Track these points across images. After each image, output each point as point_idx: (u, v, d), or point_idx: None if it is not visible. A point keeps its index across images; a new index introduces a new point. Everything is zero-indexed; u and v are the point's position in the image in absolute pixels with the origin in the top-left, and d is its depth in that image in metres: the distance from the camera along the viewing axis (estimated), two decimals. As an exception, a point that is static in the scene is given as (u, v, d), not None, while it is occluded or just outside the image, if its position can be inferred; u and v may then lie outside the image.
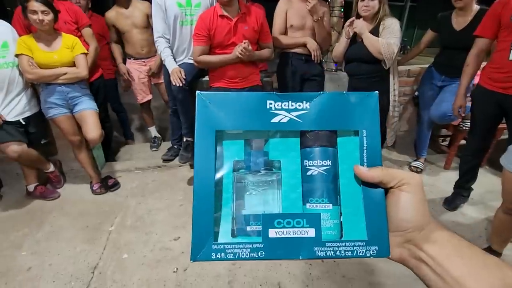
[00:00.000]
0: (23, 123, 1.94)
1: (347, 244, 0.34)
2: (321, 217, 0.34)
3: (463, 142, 2.38)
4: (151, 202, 2.13)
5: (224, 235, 0.36)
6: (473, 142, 1.91)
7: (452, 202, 2.06)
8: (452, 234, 0.34)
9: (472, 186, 2.07)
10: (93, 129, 2.03)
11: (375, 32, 2.03)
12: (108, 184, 2.26)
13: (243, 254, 0.34)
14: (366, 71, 2.16)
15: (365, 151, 0.36)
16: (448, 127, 2.59)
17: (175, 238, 1.77)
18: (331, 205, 0.35)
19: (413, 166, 2.56)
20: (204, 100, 0.36)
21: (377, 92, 0.38)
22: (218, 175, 0.36)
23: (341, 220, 0.36)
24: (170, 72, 2.01)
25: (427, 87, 2.40)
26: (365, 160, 0.36)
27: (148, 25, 2.46)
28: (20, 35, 1.87)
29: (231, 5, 1.69)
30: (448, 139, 3.03)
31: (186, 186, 2.33)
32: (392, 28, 1.99)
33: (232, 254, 0.34)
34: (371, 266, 1.58)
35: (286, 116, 0.36)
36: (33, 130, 2.01)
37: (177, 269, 1.56)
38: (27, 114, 1.96)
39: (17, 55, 1.79)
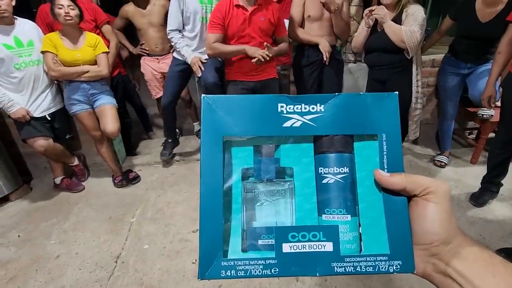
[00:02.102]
0: (49, 118, 2.03)
1: (368, 259, 0.32)
2: (339, 229, 0.32)
3: (491, 135, 2.25)
4: (170, 195, 2.17)
5: (234, 250, 0.33)
6: (503, 134, 1.79)
7: (480, 198, 1.96)
8: (482, 248, 0.31)
9: (502, 182, 1.96)
10: (110, 123, 2.09)
11: (397, 20, 1.94)
12: (129, 177, 2.33)
13: (255, 271, 0.31)
14: (387, 61, 2.08)
15: (385, 156, 0.33)
16: (476, 119, 2.46)
17: (193, 231, 1.81)
18: (349, 216, 0.33)
19: (437, 160, 2.45)
20: (210, 104, 0.33)
21: (397, 93, 0.35)
22: (226, 185, 0.33)
23: (360, 232, 0.33)
24: (190, 63, 2.00)
25: (450, 78, 2.27)
26: (385, 167, 0.33)
27: (164, 23, 2.47)
28: (43, 34, 1.94)
29: None
30: (475, 132, 2.88)
31: (204, 179, 2.36)
32: (416, 16, 1.89)
33: (243, 271, 0.31)
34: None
35: (298, 120, 0.33)
36: (58, 125, 2.11)
37: (196, 260, 1.59)
38: (53, 110, 2.04)
39: (42, 52, 1.87)
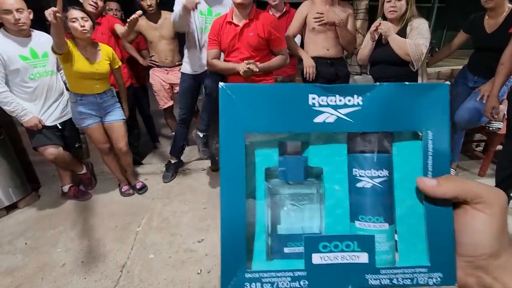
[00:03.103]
0: (60, 127, 2.07)
1: (405, 270, 0.29)
2: (375, 239, 0.29)
3: (499, 147, 2.24)
4: (176, 205, 2.18)
5: (258, 259, 0.30)
6: (510, 147, 1.78)
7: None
8: None
9: (511, 195, 1.93)
10: (122, 140, 2.18)
11: (402, 33, 1.98)
12: (136, 187, 2.34)
13: (283, 284, 0.28)
14: (393, 73, 2.10)
15: (430, 157, 0.29)
16: (482, 131, 2.45)
17: (199, 241, 1.80)
18: (387, 224, 0.29)
19: (444, 173, 2.43)
20: (229, 94, 0.29)
21: (448, 83, 0.31)
22: (248, 187, 0.30)
23: (396, 239, 0.30)
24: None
25: (460, 88, 2.29)
26: (429, 169, 0.29)
27: (175, 36, 2.56)
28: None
29: (244, 8, 1.71)
30: (483, 144, 2.86)
31: (210, 189, 2.37)
32: (420, 29, 1.93)
33: (269, 284, 0.28)
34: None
35: (332, 115, 0.29)
36: (68, 134, 2.15)
37: (201, 270, 1.58)
38: (64, 119, 2.09)
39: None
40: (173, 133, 3.08)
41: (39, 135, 1.97)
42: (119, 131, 2.16)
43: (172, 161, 2.55)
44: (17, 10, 1.73)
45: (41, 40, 1.94)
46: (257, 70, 1.75)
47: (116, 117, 2.14)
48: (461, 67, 2.48)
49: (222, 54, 1.90)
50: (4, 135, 2.10)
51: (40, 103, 1.96)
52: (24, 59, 1.83)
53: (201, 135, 2.27)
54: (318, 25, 1.94)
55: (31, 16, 1.83)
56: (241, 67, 1.74)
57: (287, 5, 2.41)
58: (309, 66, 2.07)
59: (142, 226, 1.95)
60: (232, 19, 1.73)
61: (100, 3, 2.18)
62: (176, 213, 2.08)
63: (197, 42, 2.13)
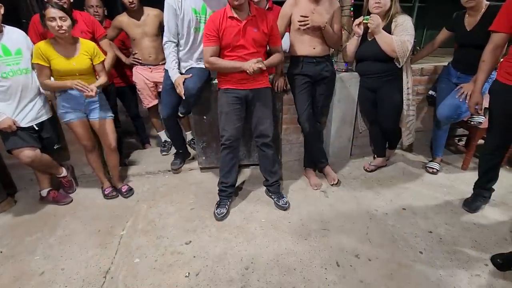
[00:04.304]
0: (36, 128, 1.96)
1: None
2: None
3: (481, 141, 2.30)
4: (162, 206, 2.11)
5: None
6: (492, 140, 1.83)
7: (473, 204, 1.97)
8: None
9: (493, 187, 1.98)
10: (111, 137, 2.11)
11: (387, 29, 2.00)
12: (121, 190, 2.25)
13: None
14: (378, 69, 2.12)
15: None
16: (464, 125, 2.51)
17: (186, 242, 1.75)
18: None
19: (429, 167, 2.47)
20: None
21: None
22: None
23: None
24: (174, 82, 2.02)
25: (444, 85, 2.34)
26: None
27: (158, 33, 2.48)
28: (34, 43, 1.90)
29: (241, 9, 1.68)
30: (465, 138, 2.93)
31: (197, 189, 2.32)
32: (405, 25, 1.95)
33: None
34: (389, 271, 1.52)
35: None
36: (47, 135, 2.04)
37: (189, 273, 1.53)
38: (41, 119, 1.98)
39: (33, 63, 1.83)
40: (158, 133, 3.01)
41: (14, 137, 1.86)
42: (107, 128, 2.08)
43: (180, 150, 2.58)
44: None
45: (14, 36, 1.83)
46: (265, 68, 1.74)
47: (104, 114, 2.07)
48: (442, 64, 2.54)
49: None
50: (-25, 137, 1.97)
51: (14, 103, 1.85)
52: (-5, 56, 1.72)
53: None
54: (303, 29, 1.92)
55: (2, 11, 1.72)
56: (248, 66, 1.71)
57: (270, 1, 2.39)
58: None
59: (127, 229, 1.88)
60: (233, 14, 1.68)
61: None
62: (162, 215, 2.02)
63: (190, 43, 2.06)
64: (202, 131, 2.39)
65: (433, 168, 2.45)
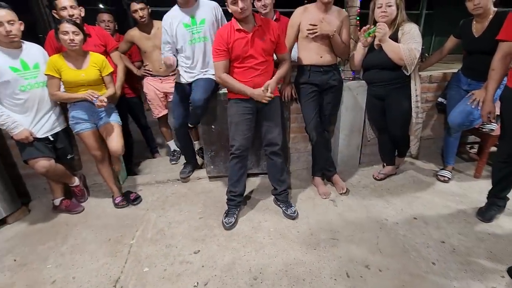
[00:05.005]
0: (52, 139, 2.03)
1: None
2: None
3: (493, 148, 2.25)
4: (171, 215, 2.13)
5: None
6: (505, 148, 1.79)
7: (487, 213, 1.92)
8: None
9: (508, 196, 1.93)
10: (115, 141, 2.10)
11: (393, 38, 2.00)
12: (130, 199, 2.29)
13: None
14: (386, 78, 2.12)
15: None
16: (476, 133, 2.47)
17: (195, 252, 1.75)
18: None
19: (440, 175, 2.43)
20: None
21: None
22: None
23: None
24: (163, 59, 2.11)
25: (454, 92, 2.32)
26: None
27: None
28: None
29: (247, 21, 1.72)
30: (477, 146, 2.87)
31: (206, 198, 2.33)
32: (412, 33, 1.95)
33: None
34: (401, 282, 1.48)
35: None
36: (61, 145, 2.11)
37: (197, 283, 1.53)
38: (56, 130, 2.05)
39: (46, 75, 1.91)
40: (167, 143, 3.06)
41: (30, 148, 1.93)
42: (113, 131, 2.11)
43: (191, 161, 2.64)
44: (8, 22, 1.72)
45: (32, 51, 1.92)
46: (273, 95, 1.80)
47: (111, 118, 2.12)
48: (451, 71, 2.52)
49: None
50: (-7, 148, 2.05)
51: (31, 115, 1.92)
52: (14, 70, 1.81)
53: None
54: (311, 37, 1.95)
55: (22, 28, 1.81)
56: (258, 96, 1.78)
57: (277, 12, 2.44)
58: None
59: (136, 238, 1.90)
60: (240, 27, 1.72)
61: (77, 12, 2.15)
62: (171, 223, 2.03)
63: (191, 55, 2.14)
64: (211, 140, 2.42)
65: (444, 176, 2.41)
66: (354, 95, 2.40)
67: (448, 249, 1.69)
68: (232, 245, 1.79)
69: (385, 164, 2.57)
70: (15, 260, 1.76)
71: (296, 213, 2.04)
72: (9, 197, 2.12)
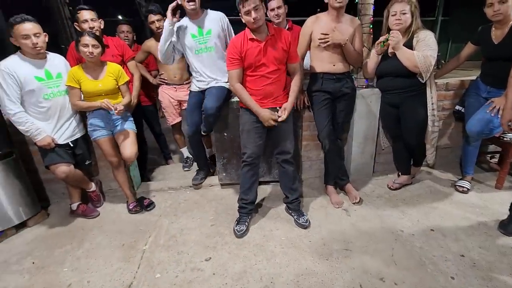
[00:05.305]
0: (72, 145, 2.11)
1: None
2: None
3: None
4: (183, 222, 2.15)
5: None
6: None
7: (509, 226, 1.83)
8: None
9: (533, 208, 1.84)
10: (129, 147, 2.15)
11: (408, 46, 1.98)
12: (143, 204, 2.33)
13: None
14: (400, 85, 2.10)
15: None
16: (496, 142, 2.38)
17: (206, 259, 1.75)
18: None
19: (459, 186, 2.35)
20: None
21: None
22: None
23: None
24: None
25: (472, 99, 2.26)
26: None
27: (182, 55, 2.64)
28: (71, 67, 2.08)
29: (260, 30, 1.75)
30: (497, 155, 2.76)
31: (217, 205, 2.34)
32: (427, 40, 1.93)
33: None
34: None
35: None
36: (80, 151, 2.18)
37: (208, 291, 1.53)
38: (75, 137, 2.13)
39: (66, 86, 2.00)
40: (181, 150, 3.11)
41: (52, 154, 2.01)
42: (127, 138, 2.16)
43: (203, 168, 2.69)
44: (35, 34, 1.82)
45: (56, 62, 2.01)
46: (284, 117, 1.84)
47: (126, 126, 2.18)
48: (469, 78, 2.46)
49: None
50: (16, 154, 2.14)
51: (53, 122, 2.01)
52: (39, 80, 1.90)
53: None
54: (324, 46, 1.96)
55: (47, 40, 1.91)
56: (265, 117, 1.81)
57: (290, 22, 2.47)
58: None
59: (149, 244, 1.92)
60: (253, 36, 1.76)
61: (97, 24, 2.25)
62: (183, 230, 2.05)
63: (198, 63, 2.21)
64: (223, 148, 2.45)
65: (463, 187, 2.32)
66: (367, 103, 2.38)
67: (468, 263, 1.62)
68: (243, 253, 1.79)
69: (400, 174, 2.51)
70: (33, 263, 1.82)
71: (308, 222, 2.01)
72: (30, 201, 2.20)
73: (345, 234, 1.91)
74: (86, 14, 2.21)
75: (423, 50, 1.93)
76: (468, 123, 2.18)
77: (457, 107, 2.49)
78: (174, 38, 2.12)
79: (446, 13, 10.16)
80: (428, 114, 2.10)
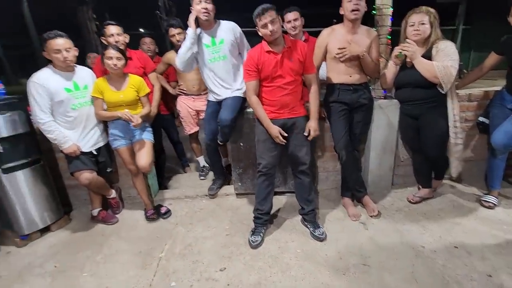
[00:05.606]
0: (95, 153, 2.20)
1: None
2: None
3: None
4: (198, 230, 2.17)
5: None
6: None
7: (542, 245, 1.72)
8: None
9: None
10: (143, 157, 2.21)
11: (427, 56, 1.95)
12: (160, 212, 2.38)
13: None
14: (420, 96, 2.05)
15: None
16: (525, 155, 2.26)
17: (221, 269, 1.75)
18: None
19: (484, 201, 2.24)
20: None
21: None
22: None
23: None
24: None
25: (497, 110, 2.17)
26: None
27: None
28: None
29: (276, 43, 1.79)
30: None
31: (233, 215, 2.35)
32: (447, 51, 1.89)
33: None
34: None
35: None
36: (102, 159, 2.27)
37: (223, 301, 1.52)
38: (99, 145, 2.23)
39: (91, 96, 2.11)
40: (197, 158, 3.17)
41: (76, 161, 2.10)
42: (143, 148, 2.22)
43: (220, 177, 2.72)
44: (66, 49, 1.94)
45: (83, 74, 2.13)
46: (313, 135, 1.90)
47: (144, 136, 2.25)
48: (494, 88, 2.37)
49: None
50: (44, 161, 2.26)
51: (79, 130, 2.11)
52: (68, 91, 2.01)
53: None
54: (341, 60, 1.97)
55: (77, 54, 2.04)
56: (271, 132, 1.85)
57: (306, 33, 2.49)
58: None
59: (165, 252, 1.95)
60: (270, 49, 1.80)
61: (122, 38, 2.38)
62: (198, 239, 2.06)
63: (211, 72, 2.28)
64: (239, 157, 2.47)
65: (489, 202, 2.21)
66: (385, 114, 2.34)
67: (496, 284, 1.53)
68: (258, 264, 1.77)
69: (420, 187, 2.43)
70: (55, 267, 1.88)
71: (324, 234, 1.98)
72: (54, 207, 2.30)
73: (363, 249, 1.86)
74: (113, 29, 2.34)
75: (443, 61, 1.89)
76: (494, 135, 2.09)
77: (481, 119, 2.40)
78: (195, 49, 2.19)
79: (467, 21, 9.93)
80: (450, 125, 2.04)
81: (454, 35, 9.65)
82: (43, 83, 1.92)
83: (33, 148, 2.18)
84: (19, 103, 2.07)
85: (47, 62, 2.04)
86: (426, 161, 2.27)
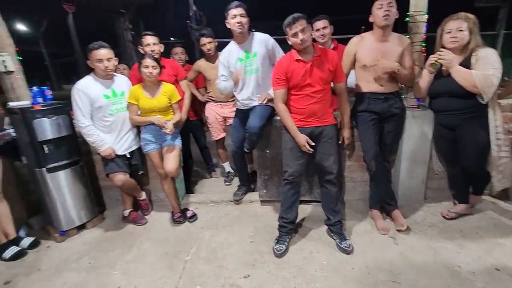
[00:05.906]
0: (128, 156, 2.32)
1: None
2: None
3: None
4: (223, 236, 2.19)
5: None
6: None
7: None
8: None
9: None
10: (170, 162, 2.28)
11: (465, 64, 1.85)
12: (186, 215, 2.44)
13: None
14: (457, 106, 1.94)
15: None
16: None
17: (245, 276, 1.76)
18: None
19: (531, 220, 2.05)
20: None
21: None
22: None
23: None
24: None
25: None
26: None
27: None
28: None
29: (306, 51, 1.79)
30: None
31: (257, 222, 2.35)
32: (488, 59, 1.79)
33: None
34: None
35: None
36: (135, 162, 2.39)
37: (247, 309, 1.52)
38: (132, 149, 2.35)
39: (127, 102, 2.24)
40: (223, 164, 3.22)
41: (112, 163, 2.23)
42: (171, 154, 2.29)
43: (244, 184, 2.76)
44: (107, 59, 2.08)
45: (120, 82, 2.27)
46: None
47: (172, 142, 2.33)
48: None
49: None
50: (83, 162, 2.42)
51: (115, 135, 2.24)
52: (106, 97, 2.15)
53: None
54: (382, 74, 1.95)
55: (116, 63, 2.18)
56: (298, 141, 1.86)
57: (335, 41, 2.47)
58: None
59: (191, 255, 1.99)
60: (300, 57, 1.81)
61: (157, 48, 2.51)
62: (223, 244, 2.09)
63: (242, 84, 2.35)
64: (265, 165, 2.48)
65: (536, 222, 2.03)
66: (418, 124, 2.24)
67: (546, 313, 1.39)
68: (283, 274, 1.76)
69: (456, 202, 2.28)
70: (89, 263, 1.99)
71: (351, 247, 1.92)
72: (90, 205, 2.44)
73: (392, 265, 1.78)
74: (150, 39, 2.48)
75: (484, 69, 1.79)
76: None
77: (527, 131, 2.22)
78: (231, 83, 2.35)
79: (509, 26, 9.28)
80: (491, 138, 1.91)
81: (495, 40, 9.06)
82: (85, 90, 2.07)
83: (74, 150, 2.34)
84: (63, 108, 2.24)
85: (87, 70, 2.21)
86: (464, 175, 2.13)
